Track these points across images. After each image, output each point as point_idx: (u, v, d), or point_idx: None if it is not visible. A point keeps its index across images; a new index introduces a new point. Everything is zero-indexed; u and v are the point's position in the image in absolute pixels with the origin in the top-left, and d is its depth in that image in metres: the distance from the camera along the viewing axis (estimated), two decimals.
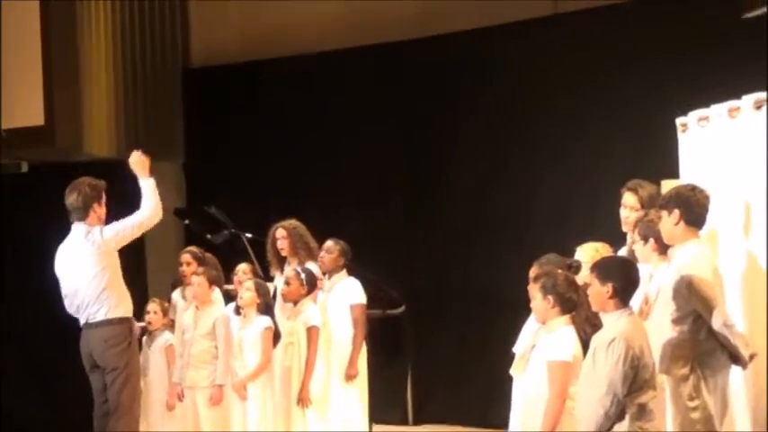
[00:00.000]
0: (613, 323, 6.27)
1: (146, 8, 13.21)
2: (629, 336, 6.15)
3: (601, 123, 10.24)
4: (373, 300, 10.42)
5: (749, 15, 8.19)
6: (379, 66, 12.42)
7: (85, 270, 8.46)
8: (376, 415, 11.02)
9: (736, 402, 7.15)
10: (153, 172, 13.02)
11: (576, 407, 6.55)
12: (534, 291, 6.87)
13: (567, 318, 6.80)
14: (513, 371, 7.10)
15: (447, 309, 11.54)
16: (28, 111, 11.27)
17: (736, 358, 6.66)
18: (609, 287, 6.26)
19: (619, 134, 9.80)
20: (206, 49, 13.70)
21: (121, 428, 8.46)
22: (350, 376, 9.75)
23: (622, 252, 7.54)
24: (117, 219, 8.53)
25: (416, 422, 12.05)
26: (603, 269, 6.39)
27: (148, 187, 8.62)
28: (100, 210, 8.56)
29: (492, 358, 9.06)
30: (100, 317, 8.43)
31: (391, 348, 11.35)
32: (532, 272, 7.12)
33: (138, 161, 8.67)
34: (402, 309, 11.08)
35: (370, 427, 10.52)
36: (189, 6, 13.83)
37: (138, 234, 8.65)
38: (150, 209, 8.57)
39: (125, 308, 8.51)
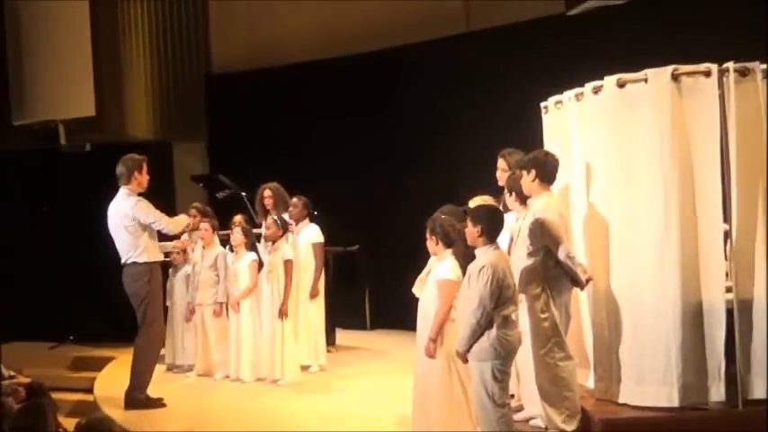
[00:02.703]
0: (483, 255, 5.94)
1: (176, 27, 12.69)
2: (495, 264, 5.84)
3: (496, 113, 9.88)
4: (334, 240, 10.12)
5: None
6: (349, 71, 11.89)
7: (120, 225, 8.13)
8: (342, 323, 10.87)
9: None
10: (183, 150, 12.89)
11: (456, 319, 6.25)
12: (427, 231, 6.55)
13: (450, 251, 6.45)
14: (414, 290, 6.70)
15: (394, 245, 11.07)
16: (83, 105, 10.88)
17: (576, 282, 6.39)
18: (478, 228, 5.94)
19: (506, 119, 9.38)
20: (222, 58, 13.17)
21: (146, 339, 8.26)
22: (313, 295, 9.51)
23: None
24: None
25: (372, 328, 11.76)
26: (475, 214, 6.07)
27: (183, 217, 8.66)
28: (140, 177, 8.17)
29: None
30: (129, 260, 8.13)
31: (351, 274, 11.04)
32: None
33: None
34: (356, 247, 10.73)
35: (332, 332, 10.27)
36: (209, 27, 13.27)
37: (154, 227, 8.21)
38: (174, 225, 8.38)
39: (148, 255, 8.12)
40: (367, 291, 11.69)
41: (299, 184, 9.92)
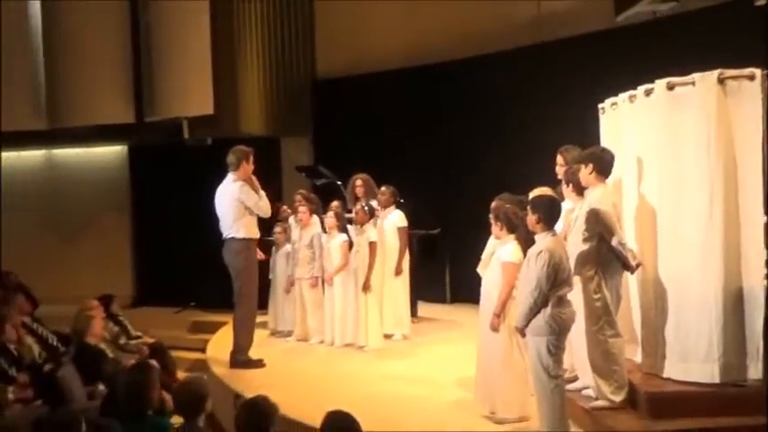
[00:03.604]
0: (541, 240, 5.70)
1: (285, 38, 12.66)
2: (552, 248, 5.60)
3: (559, 113, 9.46)
4: (419, 224, 9.92)
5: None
6: (431, 81, 11.69)
7: (225, 204, 8.14)
8: (425, 297, 10.70)
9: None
10: (290, 145, 12.87)
11: (516, 296, 6.05)
12: (491, 218, 6.38)
13: (513, 236, 6.27)
14: (479, 270, 6.54)
15: (470, 229, 10.70)
16: (204, 104, 10.97)
17: (626, 266, 6.14)
18: (537, 216, 5.71)
19: (567, 119, 8.97)
20: (324, 66, 13.08)
21: (242, 309, 8.25)
22: (397, 273, 9.35)
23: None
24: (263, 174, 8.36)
25: (452, 301, 11.49)
26: (534, 203, 5.82)
27: (264, 198, 8.15)
28: (247, 166, 8.13)
29: None
30: (230, 235, 8.12)
31: (432, 254, 10.74)
32: (492, 205, 6.48)
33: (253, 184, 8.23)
34: (438, 230, 10.44)
35: (415, 305, 10.09)
36: (315, 37, 13.16)
37: (253, 208, 8.09)
38: (265, 209, 8.15)
39: (246, 231, 8.09)
40: (447, 268, 11.44)
41: (388, 174, 9.77)
